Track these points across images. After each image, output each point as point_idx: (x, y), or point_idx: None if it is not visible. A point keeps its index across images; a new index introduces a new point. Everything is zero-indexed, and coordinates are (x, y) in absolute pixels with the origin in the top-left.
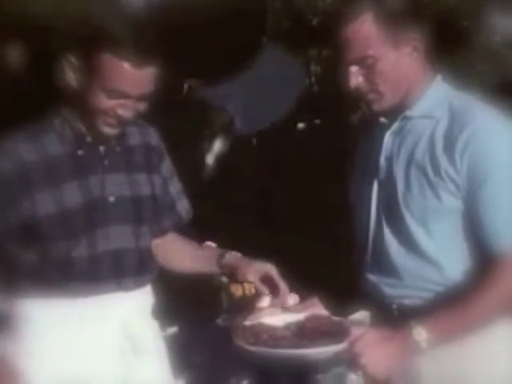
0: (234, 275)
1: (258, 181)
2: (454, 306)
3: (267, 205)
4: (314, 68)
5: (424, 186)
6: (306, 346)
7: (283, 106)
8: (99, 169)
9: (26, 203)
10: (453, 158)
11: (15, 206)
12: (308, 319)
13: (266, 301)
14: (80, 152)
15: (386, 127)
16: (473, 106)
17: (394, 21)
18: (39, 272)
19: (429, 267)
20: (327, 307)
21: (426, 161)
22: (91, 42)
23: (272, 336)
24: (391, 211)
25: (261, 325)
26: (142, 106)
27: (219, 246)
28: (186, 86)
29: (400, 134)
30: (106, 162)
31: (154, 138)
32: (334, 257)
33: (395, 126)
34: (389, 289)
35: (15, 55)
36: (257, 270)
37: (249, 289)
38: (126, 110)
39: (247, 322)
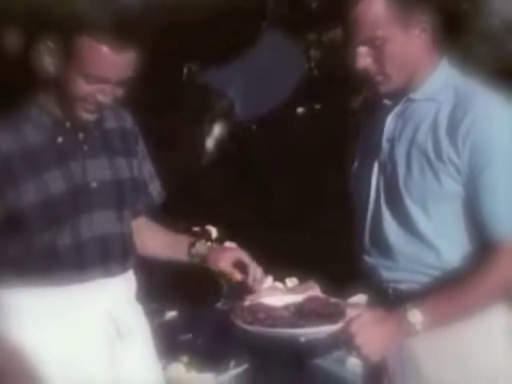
0: (205, 264)
1: (257, 165)
2: (450, 289)
3: (266, 188)
4: (313, 52)
5: (425, 168)
6: (302, 326)
7: (283, 91)
8: (79, 155)
9: (10, 194)
10: (455, 142)
11: (1, 197)
12: (307, 300)
13: (267, 282)
14: (59, 139)
15: (389, 109)
16: (477, 92)
17: (404, 2)
18: (24, 261)
19: (426, 250)
20: (325, 290)
21: (428, 144)
22: (69, 26)
23: (269, 315)
24: (391, 193)
25: (259, 304)
26: (120, 92)
27: (218, 228)
28: (185, 70)
29: (403, 116)
30: (85, 147)
31: (128, 121)
32: (333, 243)
33: (398, 108)
34: (386, 272)
35: None
36: (228, 256)
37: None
38: (105, 95)
39: (246, 302)
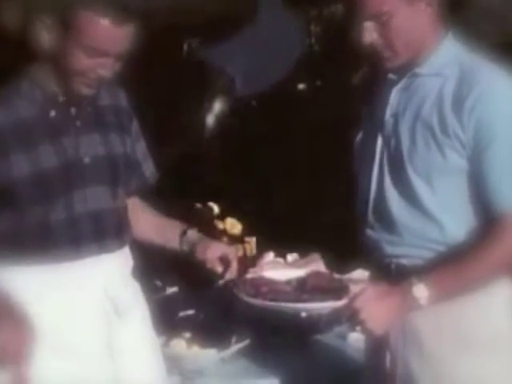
0: (193, 253)
1: (257, 141)
2: (455, 264)
3: (267, 164)
4: (314, 28)
5: (430, 142)
6: (306, 301)
7: (284, 67)
8: (72, 130)
9: (1, 166)
10: (460, 117)
11: None
12: (309, 275)
13: (269, 255)
14: (52, 113)
15: (394, 84)
16: (482, 67)
17: None
18: (18, 237)
19: (430, 225)
20: (327, 265)
21: (434, 118)
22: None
23: (272, 289)
24: (395, 167)
25: (262, 278)
26: (118, 66)
27: (220, 204)
28: (185, 47)
29: (407, 90)
30: (78, 123)
31: (123, 99)
32: (334, 215)
33: (403, 82)
34: (389, 246)
35: None
36: (216, 249)
37: (250, 249)
38: (105, 69)
39: (249, 275)
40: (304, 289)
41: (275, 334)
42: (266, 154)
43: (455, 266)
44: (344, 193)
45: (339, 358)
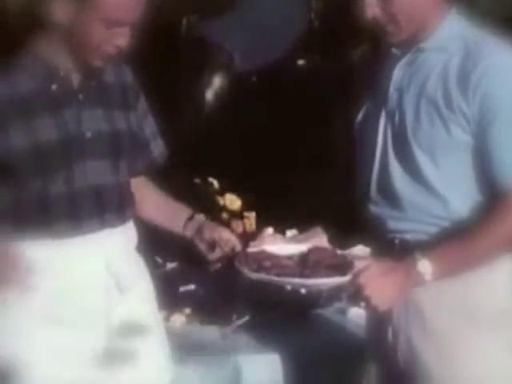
0: (199, 234)
1: (256, 117)
2: (459, 240)
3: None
4: (314, 3)
5: (434, 118)
6: (308, 276)
7: (283, 43)
8: (74, 104)
9: (0, 138)
10: (465, 92)
11: None
12: (311, 251)
13: (269, 230)
14: (53, 87)
15: (398, 59)
16: (487, 42)
17: None
18: (18, 212)
19: (434, 200)
20: (329, 241)
21: (438, 94)
22: None
23: (275, 264)
24: (399, 142)
25: (263, 252)
26: (129, 37)
27: (219, 180)
28: (184, 22)
29: (412, 65)
30: (80, 96)
31: (129, 76)
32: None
33: (407, 57)
34: (392, 222)
35: None
36: (221, 234)
37: (249, 225)
38: (122, 38)
39: (250, 249)
40: (306, 264)
41: (274, 310)
42: (265, 130)
43: (460, 241)
44: (345, 168)
45: (339, 334)
